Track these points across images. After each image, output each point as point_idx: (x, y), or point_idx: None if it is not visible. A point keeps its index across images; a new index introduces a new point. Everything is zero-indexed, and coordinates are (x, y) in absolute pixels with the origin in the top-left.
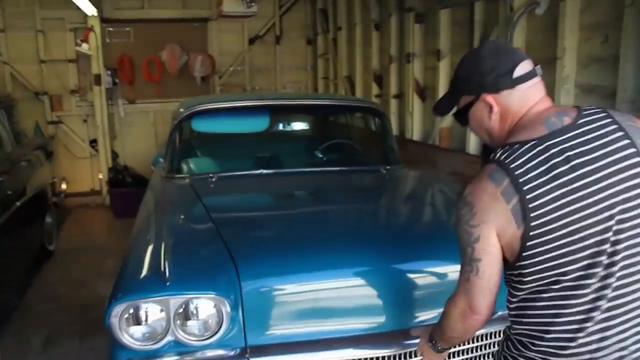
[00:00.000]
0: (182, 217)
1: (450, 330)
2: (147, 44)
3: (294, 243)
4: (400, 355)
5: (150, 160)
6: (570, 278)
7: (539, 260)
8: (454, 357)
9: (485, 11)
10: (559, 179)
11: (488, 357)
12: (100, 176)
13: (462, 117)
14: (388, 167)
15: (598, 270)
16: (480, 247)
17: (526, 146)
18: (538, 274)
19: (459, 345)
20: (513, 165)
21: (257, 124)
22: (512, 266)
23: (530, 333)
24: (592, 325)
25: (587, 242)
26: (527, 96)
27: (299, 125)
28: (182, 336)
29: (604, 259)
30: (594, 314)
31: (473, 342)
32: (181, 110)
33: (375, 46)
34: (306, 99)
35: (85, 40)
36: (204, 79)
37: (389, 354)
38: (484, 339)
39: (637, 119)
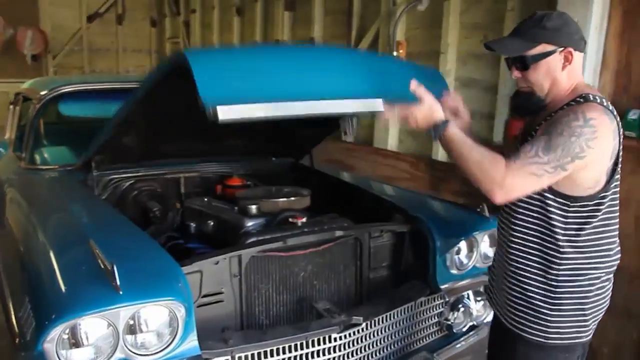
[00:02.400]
0: (90, 215)
1: (473, 162)
2: None
3: None
4: None
5: None
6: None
7: (612, 191)
8: None
9: (363, 3)
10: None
11: None
12: None
13: (526, 63)
14: None
15: None
16: (575, 165)
17: (610, 105)
18: (610, 201)
19: None
20: (614, 114)
21: None
22: (591, 197)
23: (598, 255)
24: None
25: None
26: (581, 64)
27: None
28: (133, 352)
29: None
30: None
31: None
32: (43, 91)
33: (237, 32)
34: None
35: None
36: (36, 58)
37: None
38: None
39: None
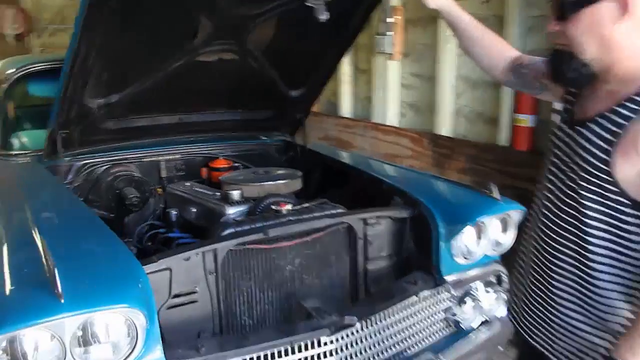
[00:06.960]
0: (50, 207)
1: None
2: None
3: None
4: None
5: None
6: None
7: None
8: None
9: None
10: None
11: None
12: None
13: (569, 10)
14: None
15: None
16: None
17: None
18: None
19: None
20: None
21: None
22: None
23: None
24: None
25: None
26: None
27: None
28: None
29: None
30: None
31: None
32: (9, 70)
33: None
34: None
35: None
36: (19, 38)
37: None
38: None
39: None
